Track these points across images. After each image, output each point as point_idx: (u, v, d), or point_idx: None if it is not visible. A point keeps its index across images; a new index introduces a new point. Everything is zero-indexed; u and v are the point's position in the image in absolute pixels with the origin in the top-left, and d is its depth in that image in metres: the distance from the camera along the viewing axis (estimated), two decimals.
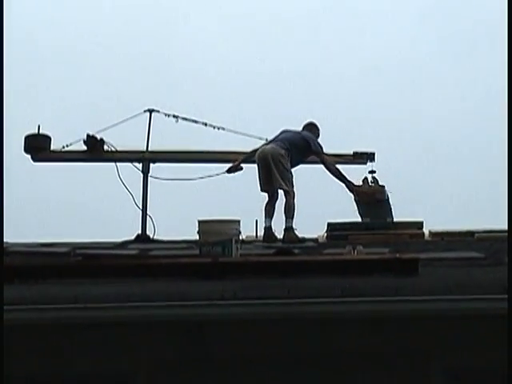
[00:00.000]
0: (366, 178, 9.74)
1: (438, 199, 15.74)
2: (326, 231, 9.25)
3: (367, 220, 9.75)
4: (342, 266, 6.39)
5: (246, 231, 8.79)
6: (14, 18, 13.70)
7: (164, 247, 8.54)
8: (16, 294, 5.57)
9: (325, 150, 9.72)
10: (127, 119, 9.99)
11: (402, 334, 5.59)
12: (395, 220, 9.74)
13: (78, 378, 5.76)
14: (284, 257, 7.09)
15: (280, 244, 8.59)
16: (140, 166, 9.85)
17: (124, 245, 8.92)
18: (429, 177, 17.02)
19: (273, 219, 9.07)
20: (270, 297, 5.45)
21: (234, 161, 9.58)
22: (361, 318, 5.48)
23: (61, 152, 10.05)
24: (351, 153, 10.04)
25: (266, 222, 9.05)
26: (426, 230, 9.22)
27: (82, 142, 9.93)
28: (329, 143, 9.95)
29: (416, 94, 18.49)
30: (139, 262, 7.24)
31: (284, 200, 9.04)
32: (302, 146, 9.30)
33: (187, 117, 10.15)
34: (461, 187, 16.39)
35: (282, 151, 9.15)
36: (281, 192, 9.06)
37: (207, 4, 18.80)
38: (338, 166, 9.54)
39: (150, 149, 9.91)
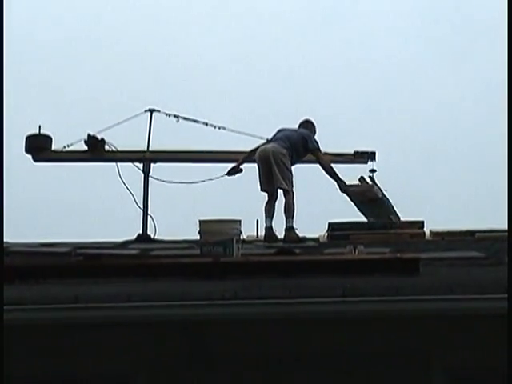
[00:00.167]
0: (362, 177, 9.75)
1: (439, 199, 15.74)
2: (327, 231, 9.25)
3: (371, 220, 9.76)
4: (342, 265, 6.39)
5: (247, 231, 8.80)
6: (14, 17, 13.72)
7: (165, 247, 8.54)
8: (17, 294, 5.57)
9: (326, 150, 9.75)
10: (128, 119, 10.00)
11: (403, 334, 5.59)
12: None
13: (78, 378, 5.76)
14: (285, 257, 7.08)
15: (281, 244, 8.59)
16: (141, 165, 9.85)
17: (125, 245, 8.93)
18: (429, 176, 17.03)
19: (273, 219, 9.08)
20: (271, 297, 5.44)
21: (235, 160, 9.58)
22: (362, 318, 5.48)
23: (62, 152, 10.06)
24: (352, 152, 10.05)
25: (266, 222, 9.06)
26: (426, 230, 9.22)
27: (82, 142, 9.95)
28: (330, 142, 9.97)
29: (417, 94, 18.51)
30: (140, 261, 7.24)
31: (284, 200, 9.05)
32: (300, 144, 9.32)
33: (188, 116, 10.16)
34: (461, 187, 16.39)
35: (284, 150, 9.15)
36: (280, 192, 9.07)
37: (208, 4, 18.81)
38: (339, 166, 9.57)
39: (150, 149, 9.92)
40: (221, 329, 5.59)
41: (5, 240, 6.91)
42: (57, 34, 17.98)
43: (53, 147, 10.00)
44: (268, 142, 9.43)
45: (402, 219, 9.68)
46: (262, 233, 9.28)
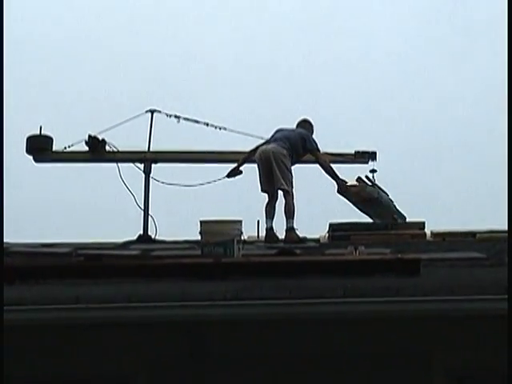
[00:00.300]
0: (359, 178, 9.76)
1: (440, 199, 15.73)
2: (328, 231, 9.26)
3: (377, 220, 9.76)
4: (343, 266, 6.39)
5: (248, 231, 8.80)
6: (14, 18, 13.72)
7: (166, 247, 8.54)
8: (17, 295, 5.57)
9: (326, 150, 9.76)
10: (129, 120, 10.01)
11: (404, 335, 5.59)
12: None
13: (78, 379, 5.76)
14: (286, 257, 7.08)
15: (282, 244, 8.59)
16: (142, 166, 9.86)
17: (126, 245, 8.93)
18: (430, 177, 17.02)
19: (274, 220, 9.08)
20: (272, 297, 5.44)
21: (236, 161, 9.59)
22: (362, 319, 5.48)
23: (63, 153, 10.07)
24: (353, 152, 10.06)
25: (267, 222, 9.07)
26: (427, 231, 9.23)
27: (83, 142, 9.96)
28: (330, 142, 9.97)
29: (418, 94, 18.49)
30: (141, 262, 7.24)
31: (284, 201, 9.05)
32: (299, 144, 9.33)
33: (189, 117, 10.17)
34: (462, 187, 16.39)
35: (284, 151, 9.16)
36: (280, 192, 9.07)
37: (208, 4, 18.81)
38: (340, 166, 9.57)
39: (151, 149, 9.93)
40: (221, 329, 5.59)
41: (6, 240, 6.91)
42: (57, 34, 17.99)
43: (54, 148, 10.02)
44: (267, 142, 9.43)
45: (399, 221, 9.68)
46: (262, 233, 9.29)
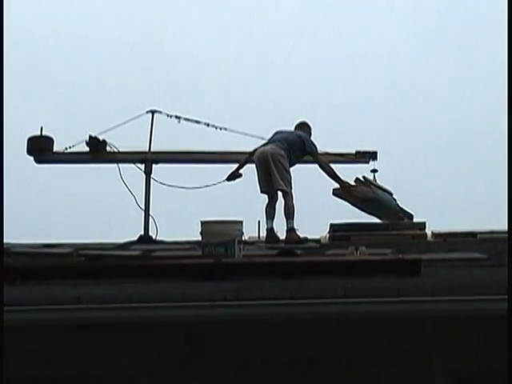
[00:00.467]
0: (357, 178, 9.76)
1: (441, 200, 15.73)
2: (329, 232, 9.26)
3: (381, 220, 9.76)
4: (344, 266, 6.39)
5: (249, 232, 8.81)
6: (15, 18, 13.72)
7: (166, 248, 8.54)
8: (18, 295, 5.57)
9: (327, 150, 9.76)
10: (129, 120, 10.01)
11: (404, 335, 5.59)
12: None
13: (79, 379, 5.76)
14: (286, 258, 7.09)
15: (282, 245, 8.60)
16: (142, 166, 9.87)
17: (127, 245, 8.94)
18: (431, 177, 17.01)
19: (274, 220, 9.09)
20: (273, 297, 5.45)
21: (237, 161, 9.59)
22: (363, 319, 5.48)
23: (63, 153, 10.08)
24: (353, 152, 10.06)
25: (267, 223, 9.08)
26: (428, 231, 9.23)
27: (84, 143, 9.96)
28: (331, 142, 9.97)
29: (419, 93, 18.50)
30: (142, 262, 7.24)
31: (283, 201, 9.06)
32: (298, 146, 9.34)
33: (189, 117, 10.17)
34: (463, 187, 16.38)
35: (282, 152, 9.17)
36: (280, 193, 9.08)
37: (209, 4, 18.81)
38: (340, 166, 9.57)
39: (152, 149, 9.93)
40: (222, 329, 5.59)
41: (7, 241, 6.92)
42: (58, 34, 18.02)
43: (54, 149, 10.02)
44: (265, 144, 9.45)
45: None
46: (263, 234, 9.29)
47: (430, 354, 5.63)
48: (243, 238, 7.49)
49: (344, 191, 9.47)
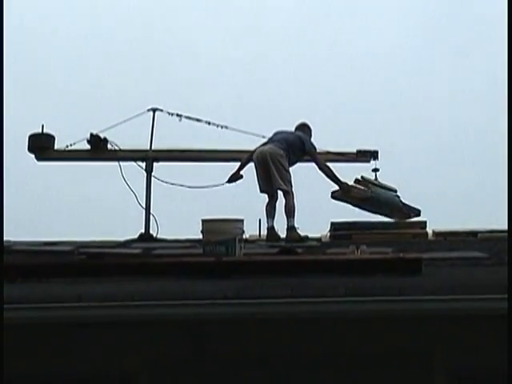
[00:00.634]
0: (356, 179, 9.75)
1: (442, 198, 15.72)
2: (330, 231, 9.26)
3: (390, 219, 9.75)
4: (345, 265, 6.39)
5: (250, 230, 8.81)
6: (15, 17, 13.73)
7: (167, 246, 8.55)
8: (19, 293, 5.57)
9: (328, 149, 9.76)
10: (131, 118, 10.00)
11: (405, 334, 5.60)
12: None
13: (80, 378, 5.76)
14: (287, 256, 7.09)
15: (283, 243, 8.60)
16: (143, 164, 9.87)
17: (127, 243, 8.94)
18: (432, 176, 17.01)
19: (275, 219, 9.09)
20: (273, 296, 5.45)
21: (238, 159, 9.59)
22: (364, 318, 5.48)
23: (64, 151, 10.08)
24: (354, 151, 10.06)
25: (268, 222, 9.08)
26: (429, 230, 9.22)
27: (85, 141, 9.97)
28: (332, 141, 9.97)
29: (420, 93, 18.49)
30: (142, 260, 7.24)
31: (284, 200, 9.06)
32: (297, 146, 9.35)
33: (190, 115, 10.16)
34: (464, 187, 16.38)
35: (281, 151, 9.18)
36: (280, 192, 9.08)
37: (210, 3, 18.81)
38: (342, 165, 9.56)
39: (153, 148, 9.93)
40: (223, 328, 5.59)
41: (8, 239, 6.93)
42: (59, 33, 18.01)
43: (56, 146, 10.02)
44: (265, 143, 9.46)
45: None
46: (264, 232, 9.29)
47: (430, 353, 5.63)
48: (244, 237, 7.49)
49: (343, 192, 9.46)
